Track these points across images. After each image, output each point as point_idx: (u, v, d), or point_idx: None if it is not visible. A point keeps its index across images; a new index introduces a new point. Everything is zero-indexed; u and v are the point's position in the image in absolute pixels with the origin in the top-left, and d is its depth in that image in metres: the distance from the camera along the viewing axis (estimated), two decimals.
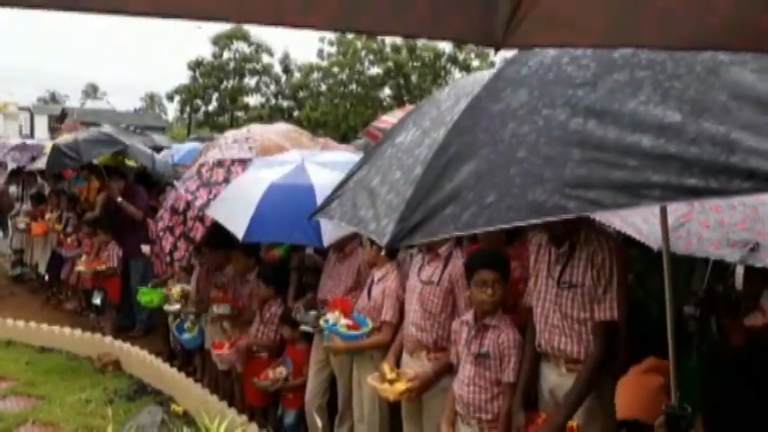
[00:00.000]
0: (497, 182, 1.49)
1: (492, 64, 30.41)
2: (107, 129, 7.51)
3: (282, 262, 4.83)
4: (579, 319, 2.53)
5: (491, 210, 1.46)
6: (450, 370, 3.10)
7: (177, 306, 5.40)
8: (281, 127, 6.34)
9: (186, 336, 5.27)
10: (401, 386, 3.09)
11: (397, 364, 3.34)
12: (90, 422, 4.55)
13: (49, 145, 9.14)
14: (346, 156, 4.69)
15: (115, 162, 7.06)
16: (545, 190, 1.38)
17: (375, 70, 31.92)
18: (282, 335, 4.26)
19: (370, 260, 3.71)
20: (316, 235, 3.62)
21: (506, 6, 1.07)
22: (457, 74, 32.79)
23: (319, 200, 3.61)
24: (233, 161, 4.92)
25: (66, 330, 6.30)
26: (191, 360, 5.65)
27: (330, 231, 3.62)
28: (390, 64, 30.74)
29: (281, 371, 4.09)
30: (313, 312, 3.99)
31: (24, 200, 9.35)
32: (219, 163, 4.95)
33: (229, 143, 5.39)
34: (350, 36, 30.53)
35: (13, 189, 9.96)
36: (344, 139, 22.71)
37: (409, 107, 6.22)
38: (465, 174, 1.58)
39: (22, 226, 8.96)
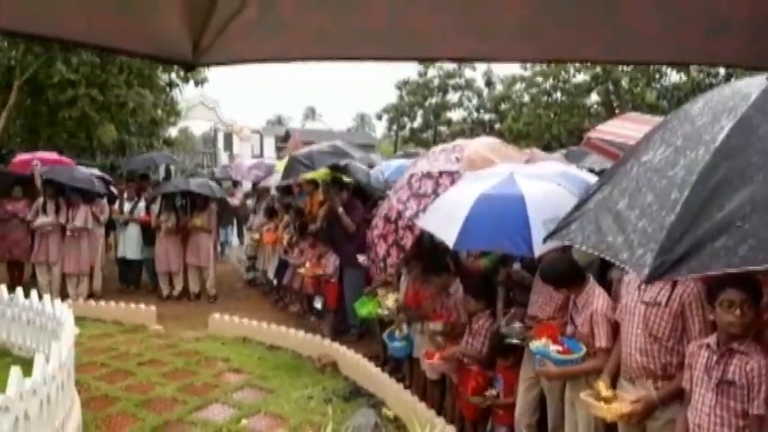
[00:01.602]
0: None
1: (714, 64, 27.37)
2: (338, 143, 8.19)
3: (487, 275, 4.82)
4: None
5: None
6: (678, 398, 2.83)
7: (386, 312, 5.65)
8: (487, 140, 6.35)
9: (396, 344, 5.49)
10: (622, 408, 2.89)
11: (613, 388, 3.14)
12: (311, 418, 4.90)
13: (279, 163, 10.23)
14: (555, 167, 4.55)
15: (334, 177, 7.63)
16: None
17: (581, 77, 30.55)
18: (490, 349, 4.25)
19: None
20: (526, 244, 3.55)
21: None
22: (674, 76, 30.08)
23: (530, 210, 3.59)
24: (441, 173, 5.05)
25: (292, 331, 6.92)
26: (401, 366, 5.86)
27: (543, 239, 3.53)
28: (598, 69, 29.15)
29: (493, 392, 4.08)
30: (518, 324, 3.92)
31: (258, 212, 10.52)
32: (428, 174, 5.11)
33: (437, 154, 5.54)
34: None
35: (249, 203, 11.26)
36: (547, 148, 22.04)
37: (630, 114, 5.84)
38: (738, 202, 1.41)
39: (255, 236, 10.11)
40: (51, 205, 8.91)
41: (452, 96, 34.25)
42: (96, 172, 10.21)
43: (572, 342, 3.40)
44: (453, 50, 1.00)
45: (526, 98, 31.80)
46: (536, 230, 3.47)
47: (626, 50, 1.04)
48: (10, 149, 13.43)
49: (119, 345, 6.87)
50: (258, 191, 11.23)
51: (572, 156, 7.08)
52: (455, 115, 34.40)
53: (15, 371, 3.32)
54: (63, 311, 4.97)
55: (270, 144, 31.32)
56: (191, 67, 1.18)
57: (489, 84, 33.84)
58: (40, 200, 8.96)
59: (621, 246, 1.71)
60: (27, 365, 3.60)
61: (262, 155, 26.95)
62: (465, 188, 4.27)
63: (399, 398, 5.03)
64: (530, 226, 3.51)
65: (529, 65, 30.79)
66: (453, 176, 4.98)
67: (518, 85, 31.80)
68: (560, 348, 3.36)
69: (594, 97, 31.59)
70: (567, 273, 3.47)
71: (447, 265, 4.97)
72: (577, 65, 29.86)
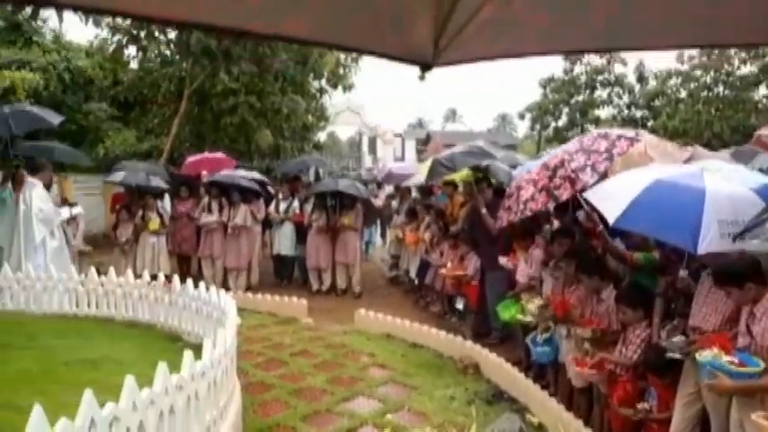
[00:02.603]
0: None
1: None
2: (481, 143, 8.18)
3: (639, 278, 4.56)
4: None
5: None
6: None
7: (530, 318, 5.53)
8: (643, 136, 6.03)
9: (539, 348, 5.36)
10: None
11: None
12: (454, 418, 4.91)
13: (420, 165, 10.41)
14: (754, 176, 4.19)
15: (475, 178, 7.59)
16: None
17: (747, 69, 27.84)
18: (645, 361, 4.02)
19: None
20: (692, 241, 3.31)
21: None
22: None
23: (708, 205, 3.37)
24: (619, 136, 4.85)
25: (434, 330, 6.99)
26: (545, 372, 5.71)
27: (711, 239, 3.27)
28: (767, 60, 26.43)
29: (645, 406, 3.87)
30: (680, 338, 3.67)
31: (400, 213, 10.76)
32: (605, 135, 4.94)
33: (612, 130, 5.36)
34: None
35: (394, 204, 11.57)
36: (708, 147, 20.26)
37: None
38: None
39: (400, 235, 10.36)
40: (215, 205, 9.75)
41: (601, 93, 32.76)
42: (256, 175, 11.04)
43: (745, 356, 3.10)
44: (677, 38, 1.00)
45: (683, 94, 29.62)
46: (708, 229, 3.26)
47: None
48: (180, 153, 14.85)
49: (273, 335, 7.35)
50: (401, 191, 11.50)
51: (740, 155, 6.47)
52: (603, 113, 32.83)
53: (188, 354, 3.66)
54: (227, 302, 5.40)
55: (411, 147, 31.87)
56: (429, 67, 1.26)
57: (641, 79, 31.94)
58: (206, 200, 9.85)
59: None
60: (195, 350, 3.94)
61: (403, 158, 27.52)
62: (642, 172, 4.10)
63: (544, 405, 4.90)
64: (702, 222, 3.29)
65: (686, 59, 28.65)
66: (632, 142, 4.76)
67: (673, 80, 29.70)
68: (734, 360, 3.08)
69: (763, 91, 28.65)
70: (751, 271, 3.13)
71: (599, 268, 4.77)
72: (743, 55, 27.31)
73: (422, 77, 1.25)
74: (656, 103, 30.69)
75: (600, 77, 32.12)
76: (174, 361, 3.54)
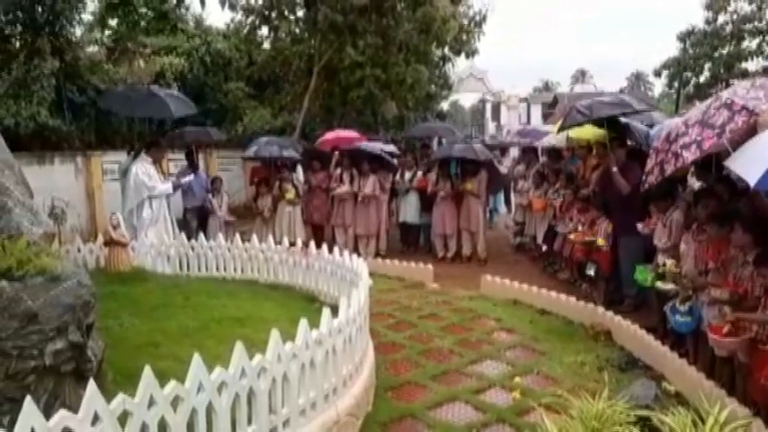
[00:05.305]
0: None
1: None
2: (624, 96, 7.78)
3: None
4: None
5: None
6: None
7: (671, 285, 5.29)
8: None
9: (679, 318, 5.13)
10: None
11: None
12: (585, 383, 4.84)
13: (551, 127, 10.18)
14: None
15: (610, 137, 7.21)
16: None
17: None
18: None
19: None
20: None
21: None
22: None
23: None
24: (742, 108, 4.46)
25: (563, 297, 6.88)
26: (683, 341, 5.46)
27: None
28: None
29: None
30: None
31: (527, 178, 10.55)
32: (729, 105, 4.58)
33: (761, 83, 4.84)
34: None
35: (520, 168, 11.37)
36: None
37: None
38: None
39: (524, 201, 10.20)
40: (346, 176, 10.18)
41: (749, 43, 29.63)
42: (390, 147, 11.28)
43: None
44: None
45: None
46: None
47: None
48: (312, 128, 15.47)
49: (402, 299, 7.60)
50: (527, 156, 11.26)
51: None
52: (753, 65, 29.73)
53: (326, 312, 3.92)
54: (360, 265, 5.66)
55: (537, 111, 30.91)
56: None
57: None
58: (338, 171, 10.29)
59: None
60: (331, 309, 4.15)
61: (529, 122, 26.80)
62: None
63: (683, 373, 4.72)
64: None
65: None
66: (751, 117, 4.39)
67: None
68: None
69: None
70: None
71: (760, 228, 4.44)
72: None
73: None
74: None
75: (749, 26, 29.06)
76: (312, 319, 3.80)
